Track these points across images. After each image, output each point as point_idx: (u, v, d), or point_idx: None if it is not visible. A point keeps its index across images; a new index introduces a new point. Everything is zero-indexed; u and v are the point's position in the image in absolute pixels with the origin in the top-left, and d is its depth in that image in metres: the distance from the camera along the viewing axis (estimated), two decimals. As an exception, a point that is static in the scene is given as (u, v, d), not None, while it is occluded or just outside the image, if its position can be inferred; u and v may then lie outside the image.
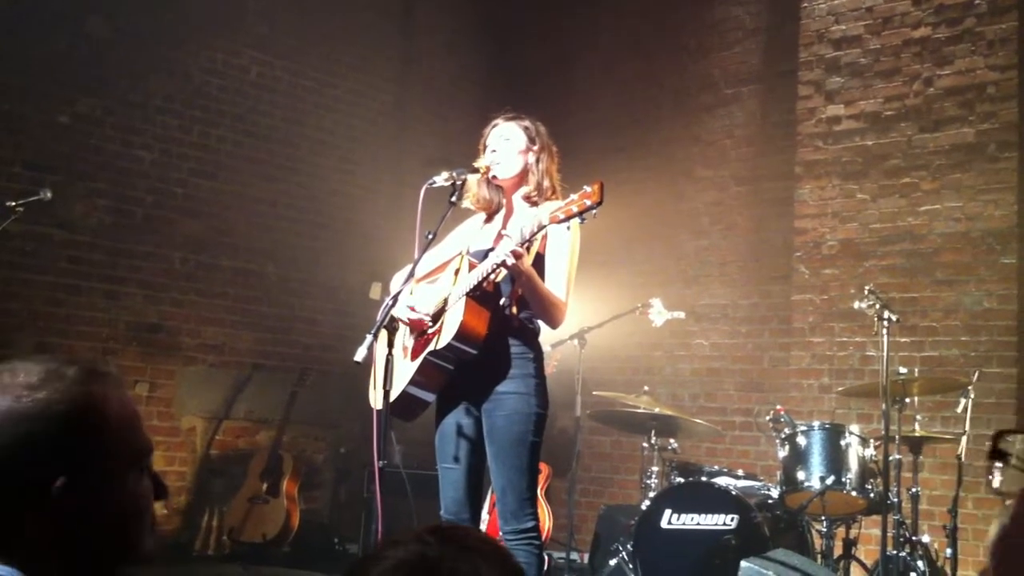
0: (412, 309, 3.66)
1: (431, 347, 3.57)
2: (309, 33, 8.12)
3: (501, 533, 3.57)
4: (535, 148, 3.77)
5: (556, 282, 3.57)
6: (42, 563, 1.37)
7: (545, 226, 3.30)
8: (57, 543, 1.38)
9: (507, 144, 3.76)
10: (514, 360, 3.59)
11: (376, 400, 3.51)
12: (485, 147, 3.81)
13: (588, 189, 3.21)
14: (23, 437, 1.36)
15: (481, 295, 3.54)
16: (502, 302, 3.59)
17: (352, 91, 8.45)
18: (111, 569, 1.44)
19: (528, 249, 3.43)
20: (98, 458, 1.40)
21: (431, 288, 3.81)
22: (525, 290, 3.51)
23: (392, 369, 3.52)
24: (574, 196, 3.26)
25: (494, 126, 3.83)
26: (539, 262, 3.59)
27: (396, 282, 3.77)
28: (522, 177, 3.76)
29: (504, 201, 3.83)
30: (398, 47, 8.82)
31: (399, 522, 3.73)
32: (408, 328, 3.75)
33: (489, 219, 3.88)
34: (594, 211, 3.20)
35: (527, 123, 3.81)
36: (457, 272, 3.70)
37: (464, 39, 8.91)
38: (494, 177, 3.75)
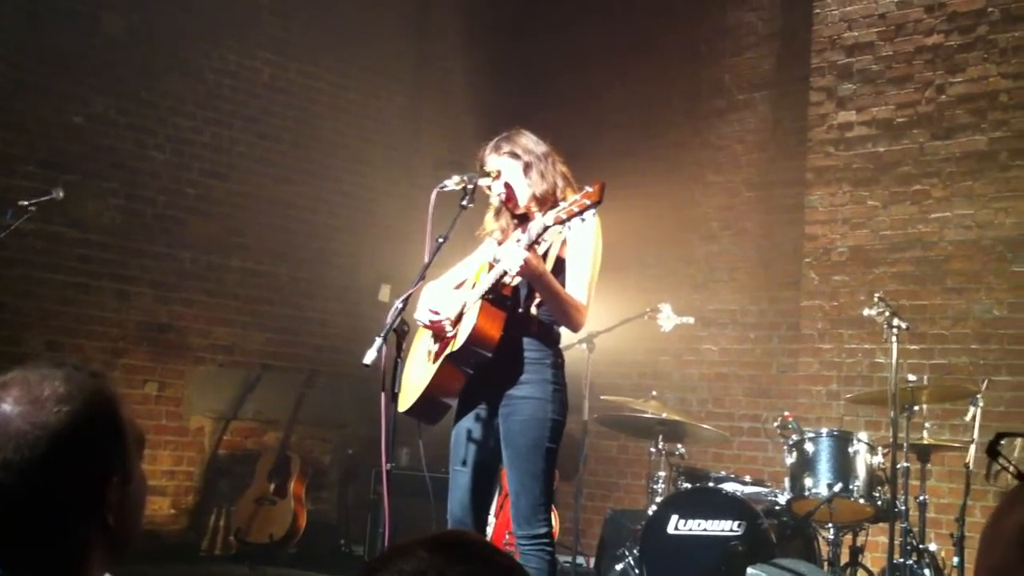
0: (434, 312, 3.66)
1: (448, 350, 3.58)
2: (322, 35, 8.14)
3: (515, 538, 3.57)
4: (531, 167, 3.69)
5: (576, 285, 3.57)
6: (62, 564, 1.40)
7: (549, 226, 3.34)
8: (100, 541, 1.43)
9: (508, 180, 3.70)
10: (532, 365, 3.59)
11: (401, 404, 3.55)
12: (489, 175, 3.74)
13: (589, 189, 3.27)
14: (73, 449, 1.40)
15: (497, 298, 3.55)
16: (520, 308, 3.59)
17: (365, 93, 8.46)
18: (122, 557, 1.49)
19: (531, 248, 3.42)
20: (124, 450, 1.47)
21: (457, 293, 3.80)
22: (540, 291, 3.52)
23: (399, 372, 3.53)
24: (576, 196, 3.31)
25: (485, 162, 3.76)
26: (560, 266, 3.60)
27: (425, 293, 3.75)
28: (533, 198, 3.72)
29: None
30: (411, 49, 8.84)
31: (406, 524, 3.73)
32: (432, 332, 3.74)
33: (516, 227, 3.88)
34: (593, 210, 3.27)
35: (511, 148, 3.71)
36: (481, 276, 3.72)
37: (477, 41, 8.91)
38: (512, 208, 3.75)
